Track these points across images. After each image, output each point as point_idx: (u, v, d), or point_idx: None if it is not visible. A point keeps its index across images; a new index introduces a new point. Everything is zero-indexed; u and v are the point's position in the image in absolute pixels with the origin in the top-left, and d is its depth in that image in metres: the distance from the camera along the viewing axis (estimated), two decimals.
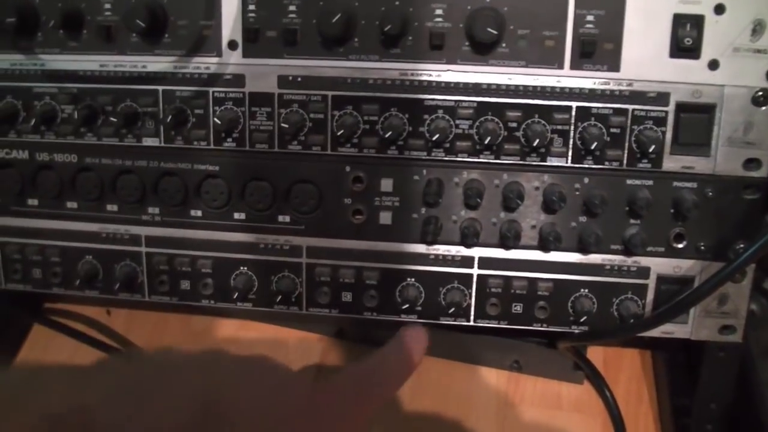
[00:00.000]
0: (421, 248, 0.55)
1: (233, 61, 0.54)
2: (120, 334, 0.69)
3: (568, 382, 0.65)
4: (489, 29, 0.50)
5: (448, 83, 0.53)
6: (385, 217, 0.55)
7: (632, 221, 0.54)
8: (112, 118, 0.56)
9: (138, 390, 0.29)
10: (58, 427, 0.26)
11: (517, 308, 0.56)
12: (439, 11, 0.52)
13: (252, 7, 0.53)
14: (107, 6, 0.54)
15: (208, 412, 0.29)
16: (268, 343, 0.68)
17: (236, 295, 0.57)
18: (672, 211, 0.53)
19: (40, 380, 0.30)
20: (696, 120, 0.52)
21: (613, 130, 0.52)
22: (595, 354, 0.66)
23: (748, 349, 0.60)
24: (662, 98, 0.52)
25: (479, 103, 0.53)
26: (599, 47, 0.51)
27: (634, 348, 0.67)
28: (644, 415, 0.64)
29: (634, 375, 0.66)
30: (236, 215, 0.56)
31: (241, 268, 0.57)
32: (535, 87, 0.52)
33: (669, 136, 0.52)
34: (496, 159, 0.53)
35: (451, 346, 0.65)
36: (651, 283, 0.55)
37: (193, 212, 0.57)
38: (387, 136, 0.53)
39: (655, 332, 0.56)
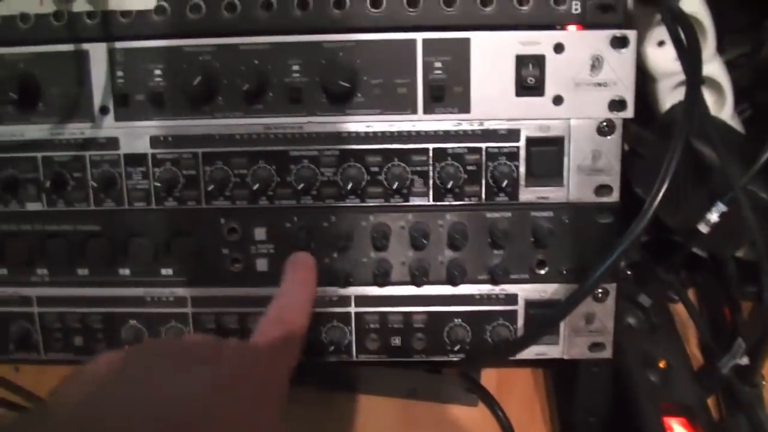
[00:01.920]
0: None
1: (106, 125, 0.56)
2: (28, 390, 0.70)
3: (463, 405, 0.68)
4: (341, 82, 0.53)
5: (310, 134, 0.55)
6: (262, 264, 0.57)
7: (495, 252, 0.57)
8: None
9: None
10: None
11: (396, 341, 0.58)
12: (295, 67, 0.54)
13: (120, 73, 0.56)
14: None
15: None
16: None
17: (127, 348, 0.59)
18: (532, 239, 0.56)
19: None
20: (546, 153, 0.55)
21: (469, 167, 0.55)
22: (489, 376, 0.68)
23: (625, 361, 0.63)
24: (513, 134, 0.55)
25: (341, 150, 0.55)
26: (449, 91, 0.54)
27: (527, 368, 0.70)
28: (537, 431, 0.67)
29: (526, 394, 0.69)
30: (121, 271, 0.58)
31: (130, 321, 0.59)
32: (392, 132, 0.55)
33: (522, 169, 0.55)
34: (361, 202, 0.56)
35: (347, 378, 0.67)
36: (520, 308, 0.58)
37: (80, 271, 0.59)
38: (256, 187, 0.55)
39: (529, 354, 0.58)
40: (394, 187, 0.55)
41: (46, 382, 0.70)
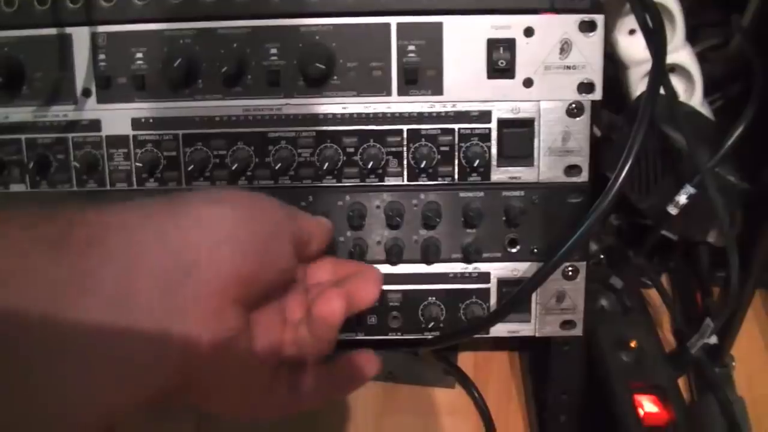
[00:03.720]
0: None
1: (88, 107, 0.58)
2: None
3: (441, 387, 0.69)
4: (318, 65, 0.55)
5: (287, 116, 0.57)
6: None
7: (468, 231, 0.58)
8: None
9: None
10: None
11: (372, 320, 0.59)
12: (273, 50, 0.56)
13: (102, 56, 0.57)
14: None
15: None
16: None
17: None
18: (504, 218, 0.58)
19: None
20: (517, 134, 0.57)
21: (442, 148, 0.57)
22: (466, 358, 0.70)
23: (597, 341, 0.64)
24: (484, 116, 0.57)
25: (318, 132, 0.57)
26: (422, 74, 0.56)
27: (503, 350, 0.71)
28: (513, 412, 0.68)
29: (503, 375, 0.70)
30: None
31: None
32: (367, 114, 0.57)
33: (494, 150, 0.57)
34: (338, 182, 0.57)
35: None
36: (492, 286, 0.59)
37: None
38: (235, 168, 0.56)
39: (502, 332, 0.60)
40: (370, 167, 0.56)
41: None
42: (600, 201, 0.52)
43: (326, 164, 0.56)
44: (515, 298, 0.56)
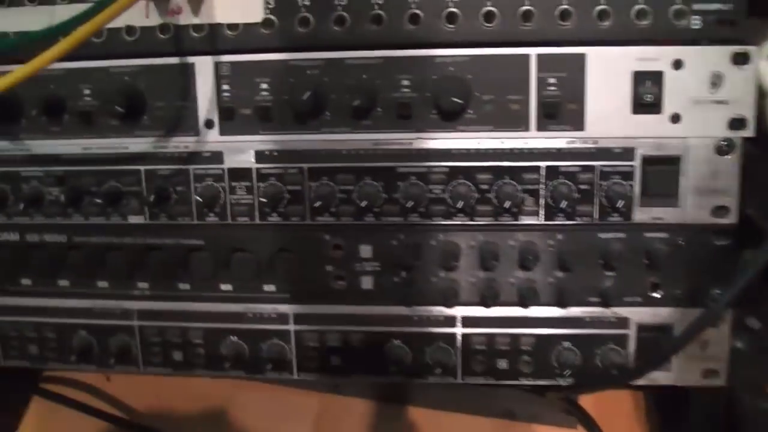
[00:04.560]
0: (403, 310, 0.57)
1: (211, 139, 0.56)
2: (119, 399, 0.70)
3: (561, 428, 0.66)
4: (454, 98, 0.52)
5: (419, 150, 0.54)
6: (367, 282, 0.56)
7: (607, 273, 0.55)
8: (97, 199, 0.57)
9: None
10: None
11: (503, 364, 0.57)
12: (405, 82, 0.53)
13: (226, 87, 0.55)
14: (86, 92, 0.56)
15: None
16: (265, 402, 0.70)
17: (227, 364, 0.58)
18: (646, 261, 0.54)
19: None
20: (662, 172, 0.54)
21: (582, 186, 0.54)
22: (586, 396, 0.66)
23: (735, 386, 0.60)
24: (628, 153, 0.53)
25: (450, 167, 0.54)
26: (563, 108, 0.53)
27: (627, 389, 0.68)
28: None
29: (626, 416, 0.67)
30: (223, 286, 0.58)
31: (231, 337, 0.59)
32: (503, 149, 0.54)
33: (637, 189, 0.54)
34: (470, 220, 0.55)
35: (445, 396, 0.66)
36: (631, 332, 0.56)
37: (181, 285, 0.58)
38: (363, 204, 0.54)
39: (639, 380, 0.56)
40: (505, 205, 0.53)
41: (136, 391, 0.70)
42: (764, 250, 0.48)
43: (459, 202, 0.53)
44: (664, 353, 0.52)
